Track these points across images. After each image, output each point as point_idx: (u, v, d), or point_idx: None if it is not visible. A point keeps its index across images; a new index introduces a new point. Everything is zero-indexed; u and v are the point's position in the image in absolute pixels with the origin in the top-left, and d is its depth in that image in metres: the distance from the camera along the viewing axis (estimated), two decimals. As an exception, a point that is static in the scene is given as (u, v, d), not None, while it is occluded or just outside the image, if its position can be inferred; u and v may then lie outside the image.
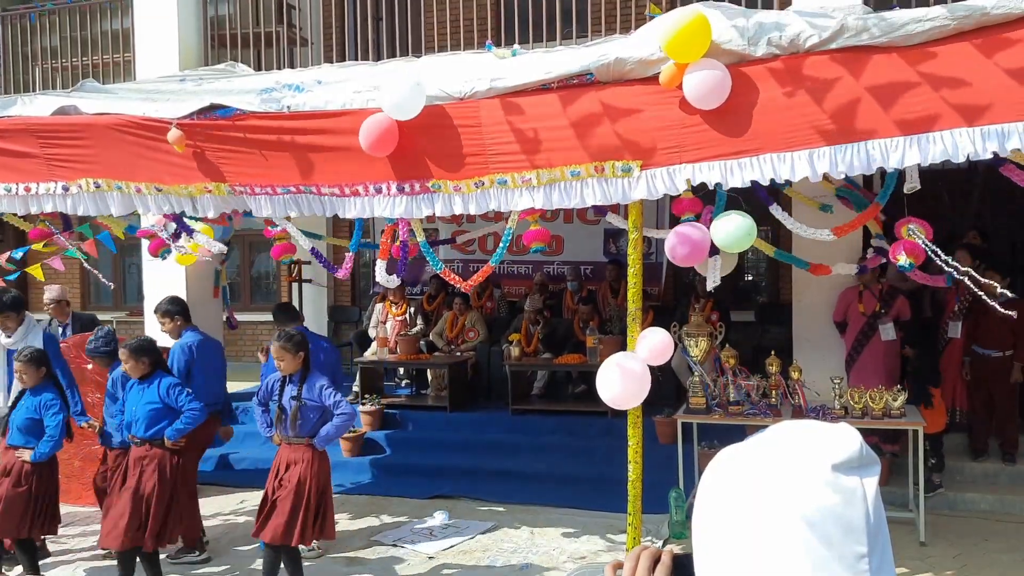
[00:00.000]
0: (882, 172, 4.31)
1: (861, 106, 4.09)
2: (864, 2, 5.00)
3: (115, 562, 5.27)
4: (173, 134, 5.23)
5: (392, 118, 4.75)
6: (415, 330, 9.32)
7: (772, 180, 4.28)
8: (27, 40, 10.10)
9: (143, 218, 7.03)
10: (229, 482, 7.72)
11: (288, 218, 5.55)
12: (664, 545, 5.85)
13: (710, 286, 4.93)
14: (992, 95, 3.91)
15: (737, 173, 4.28)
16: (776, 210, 4.72)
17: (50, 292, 7.66)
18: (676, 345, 5.28)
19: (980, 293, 4.54)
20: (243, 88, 5.70)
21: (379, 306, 9.67)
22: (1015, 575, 5.35)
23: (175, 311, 6.41)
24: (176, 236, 6.59)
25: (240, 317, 9.34)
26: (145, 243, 7.03)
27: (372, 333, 9.49)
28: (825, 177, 4.33)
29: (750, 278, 11.00)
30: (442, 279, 6.98)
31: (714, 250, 4.68)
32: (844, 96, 4.11)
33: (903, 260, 4.46)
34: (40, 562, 5.70)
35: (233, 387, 7.42)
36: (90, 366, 6.50)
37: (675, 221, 5.23)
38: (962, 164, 4.06)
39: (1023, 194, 4.89)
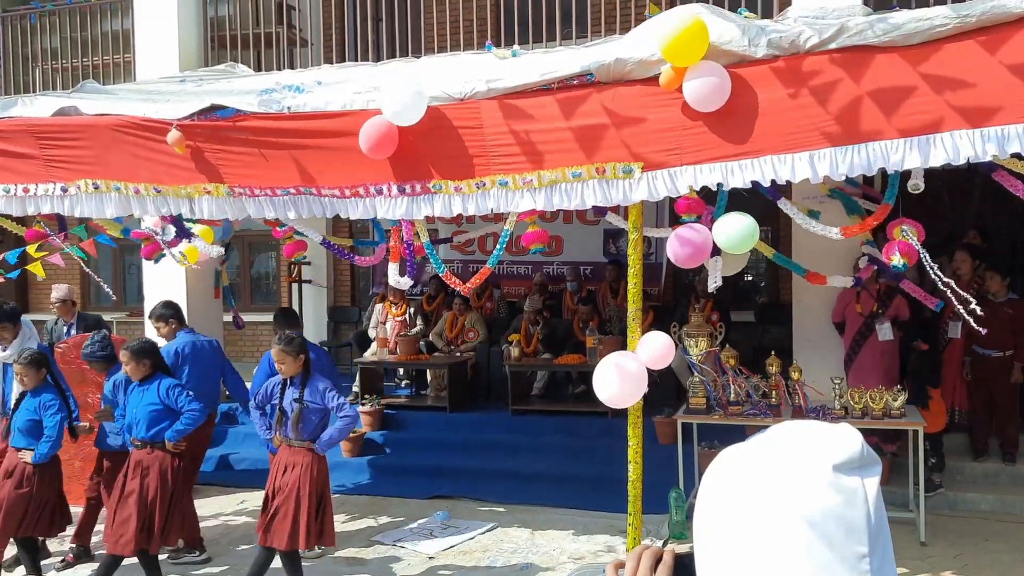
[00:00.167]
0: (883, 172, 4.31)
1: (861, 107, 4.09)
2: (864, 3, 5.00)
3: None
4: (172, 135, 5.23)
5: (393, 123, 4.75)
6: (415, 330, 9.33)
7: (772, 181, 4.28)
8: (27, 41, 10.11)
9: (143, 220, 7.03)
10: (229, 482, 7.72)
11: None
12: (664, 545, 5.84)
13: (711, 287, 4.93)
14: (993, 96, 3.91)
15: (738, 175, 4.28)
16: (784, 204, 4.68)
17: (57, 291, 7.67)
18: (676, 346, 5.28)
19: (959, 307, 4.56)
20: (243, 89, 5.70)
21: (379, 307, 9.68)
22: (1016, 575, 5.35)
23: (169, 315, 6.49)
24: (175, 241, 6.57)
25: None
26: (154, 235, 7.01)
27: (372, 333, 9.50)
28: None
29: (750, 278, 11.00)
30: (441, 279, 6.98)
31: (716, 251, 4.68)
32: (845, 97, 4.11)
33: (896, 260, 4.45)
34: (42, 562, 5.71)
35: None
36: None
37: (675, 220, 5.23)
38: (962, 164, 4.06)
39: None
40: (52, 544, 6.15)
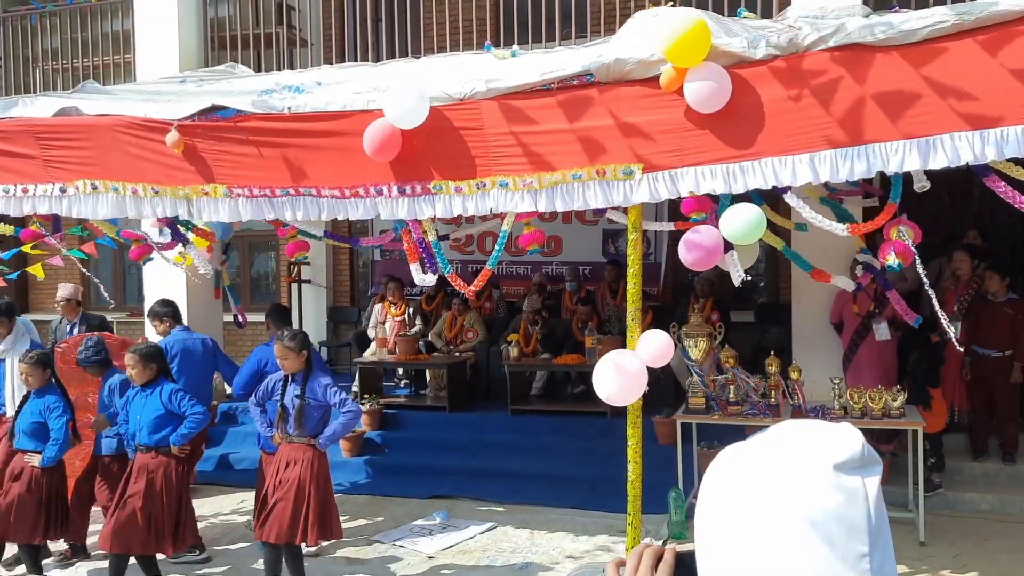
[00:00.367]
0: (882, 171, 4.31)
1: (861, 108, 4.09)
2: (864, 2, 5.01)
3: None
4: (171, 136, 5.23)
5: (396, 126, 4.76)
6: (414, 330, 9.33)
7: (774, 186, 4.28)
8: (28, 41, 10.11)
9: (143, 221, 7.03)
10: (229, 482, 7.72)
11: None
12: (664, 545, 5.85)
13: (736, 282, 4.88)
14: (994, 98, 3.91)
15: (740, 178, 4.27)
16: (792, 199, 4.69)
17: (63, 290, 7.68)
18: (675, 346, 5.28)
19: (942, 319, 4.69)
20: (243, 89, 5.71)
21: (378, 306, 9.68)
22: (1016, 575, 5.36)
23: (164, 313, 6.55)
24: (170, 245, 6.56)
25: (240, 318, 9.33)
26: (149, 239, 7.02)
27: (371, 333, 9.50)
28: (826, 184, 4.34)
29: (749, 278, 10.98)
30: (441, 279, 6.98)
31: (729, 245, 4.66)
32: (845, 98, 4.11)
33: (892, 261, 4.45)
34: (42, 561, 5.72)
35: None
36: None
37: (675, 214, 5.22)
38: (962, 165, 4.06)
39: None
40: (53, 544, 6.14)
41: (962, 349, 5.43)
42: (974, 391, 6.98)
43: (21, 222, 6.63)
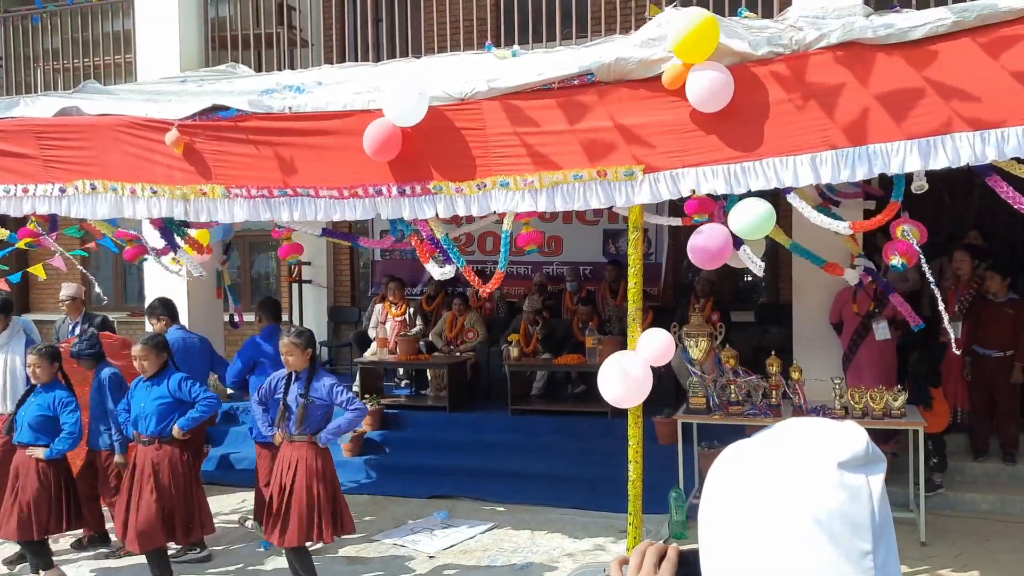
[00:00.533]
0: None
1: (862, 109, 4.09)
2: (864, 2, 5.00)
3: (110, 562, 5.28)
4: (171, 135, 5.23)
5: (396, 125, 4.75)
6: (414, 330, 9.33)
7: (775, 188, 4.28)
8: (29, 41, 10.12)
9: (143, 224, 7.03)
10: (230, 482, 7.72)
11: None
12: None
13: (759, 272, 4.83)
14: (995, 98, 3.91)
15: (741, 179, 4.26)
16: (794, 198, 4.70)
17: (67, 289, 7.68)
18: (676, 346, 5.28)
19: (945, 319, 4.70)
20: (244, 89, 5.71)
21: (378, 307, 9.69)
22: (1016, 575, 5.36)
23: (161, 311, 6.60)
24: (164, 250, 6.55)
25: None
26: (146, 243, 7.03)
27: (372, 333, 9.50)
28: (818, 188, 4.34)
29: (750, 278, 11.01)
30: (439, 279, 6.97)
31: (739, 241, 4.63)
32: (846, 99, 4.11)
33: (896, 261, 4.45)
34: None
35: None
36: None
37: (675, 209, 5.21)
38: (963, 165, 4.07)
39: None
40: (54, 544, 6.14)
41: (959, 352, 5.45)
42: (975, 391, 6.98)
43: (21, 223, 6.64)
